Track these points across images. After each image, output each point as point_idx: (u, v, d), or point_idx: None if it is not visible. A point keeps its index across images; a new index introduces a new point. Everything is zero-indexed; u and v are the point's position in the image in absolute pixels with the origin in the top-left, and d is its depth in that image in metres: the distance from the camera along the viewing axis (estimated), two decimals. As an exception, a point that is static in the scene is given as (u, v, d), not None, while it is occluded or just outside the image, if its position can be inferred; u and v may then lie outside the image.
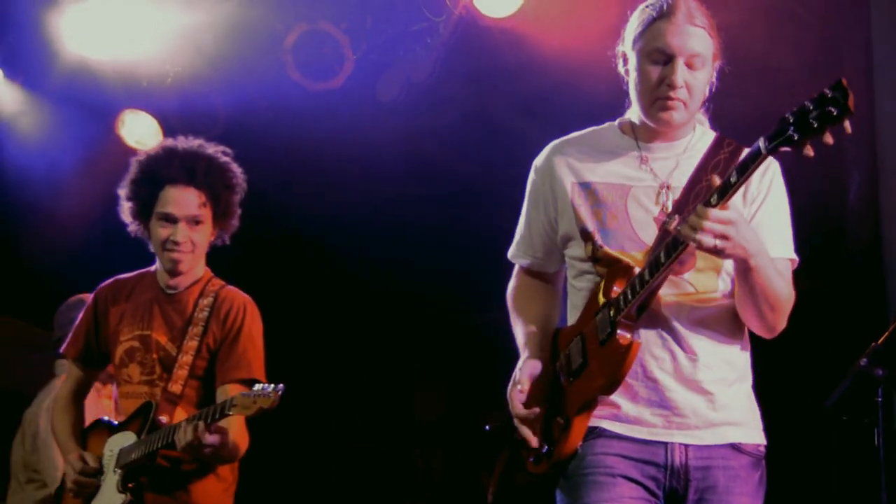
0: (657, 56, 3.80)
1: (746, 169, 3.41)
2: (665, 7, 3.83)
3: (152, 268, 5.41)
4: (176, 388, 5.16)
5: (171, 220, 5.20)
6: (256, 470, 5.67)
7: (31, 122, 8.58)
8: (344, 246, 9.44)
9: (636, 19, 3.91)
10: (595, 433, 3.84)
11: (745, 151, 3.88)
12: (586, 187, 3.94)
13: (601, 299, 3.82)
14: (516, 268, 4.32)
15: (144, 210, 5.27)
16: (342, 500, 10.05)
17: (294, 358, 9.64)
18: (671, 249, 3.59)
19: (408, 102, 7.91)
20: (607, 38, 4.04)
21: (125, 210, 5.36)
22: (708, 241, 3.48)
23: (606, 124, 4.11)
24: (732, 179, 3.43)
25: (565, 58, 7.08)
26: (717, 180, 3.56)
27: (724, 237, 3.49)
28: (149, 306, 5.31)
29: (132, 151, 8.50)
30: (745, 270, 3.67)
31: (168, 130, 8.52)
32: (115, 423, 5.25)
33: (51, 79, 8.26)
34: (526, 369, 3.96)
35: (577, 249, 3.97)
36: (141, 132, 8.61)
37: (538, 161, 4.13)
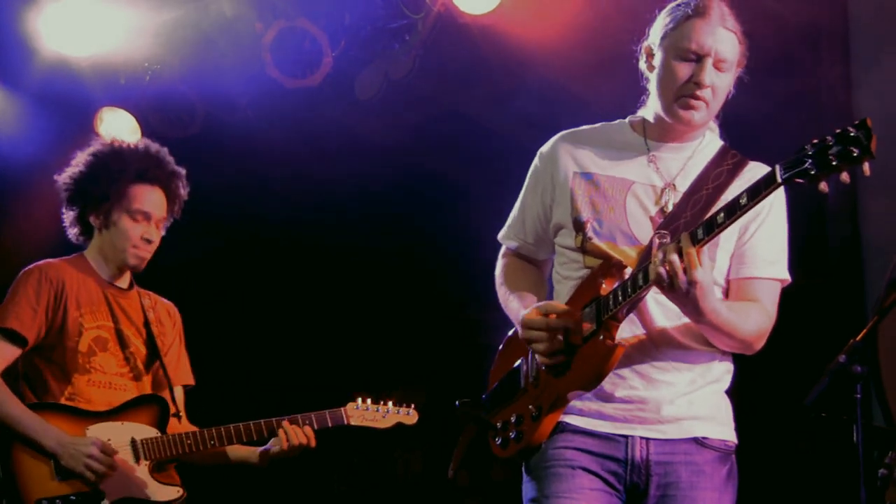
0: (687, 54, 3.81)
1: (758, 194, 3.39)
2: (700, 6, 3.83)
3: (83, 257, 5.44)
4: (162, 383, 5.38)
5: (146, 217, 5.24)
6: (246, 472, 5.68)
7: (9, 119, 8.54)
8: (321, 243, 9.42)
9: (666, 16, 3.92)
10: (558, 428, 3.86)
11: (749, 165, 3.92)
12: (588, 178, 3.95)
13: (589, 294, 3.81)
14: (503, 248, 4.30)
15: (104, 200, 5.30)
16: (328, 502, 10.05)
17: (275, 357, 9.62)
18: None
19: (386, 100, 7.90)
20: (585, 36, 4.04)
21: (80, 195, 5.39)
22: (676, 286, 3.52)
23: (617, 121, 4.12)
24: (742, 202, 3.42)
25: (543, 55, 7.08)
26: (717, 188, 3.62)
27: (689, 290, 3.53)
28: (105, 299, 5.36)
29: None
30: (696, 321, 3.72)
31: (146, 128, 8.50)
32: (88, 410, 5.19)
33: (29, 76, 8.22)
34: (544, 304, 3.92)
35: (567, 239, 3.96)
36: (119, 129, 8.57)
37: (544, 148, 4.13)
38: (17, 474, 5.05)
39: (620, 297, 3.67)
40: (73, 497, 5.02)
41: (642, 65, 4.01)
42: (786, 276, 3.93)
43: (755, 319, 3.81)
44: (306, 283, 9.84)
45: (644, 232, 3.84)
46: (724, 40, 3.82)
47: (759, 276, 3.89)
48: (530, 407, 3.89)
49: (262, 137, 8.28)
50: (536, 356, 3.87)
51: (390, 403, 5.57)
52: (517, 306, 4.04)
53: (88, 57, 8.04)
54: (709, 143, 4.01)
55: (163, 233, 5.46)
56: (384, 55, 7.76)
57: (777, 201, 3.91)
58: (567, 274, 3.98)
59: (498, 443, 4.03)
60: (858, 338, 3.43)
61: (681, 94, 3.84)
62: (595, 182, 3.93)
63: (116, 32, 7.88)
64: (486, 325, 4.26)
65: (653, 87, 3.96)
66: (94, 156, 5.42)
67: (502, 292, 4.20)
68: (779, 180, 3.31)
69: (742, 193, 3.43)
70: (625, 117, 4.14)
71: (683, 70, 3.82)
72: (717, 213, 3.48)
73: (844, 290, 6.93)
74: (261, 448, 5.42)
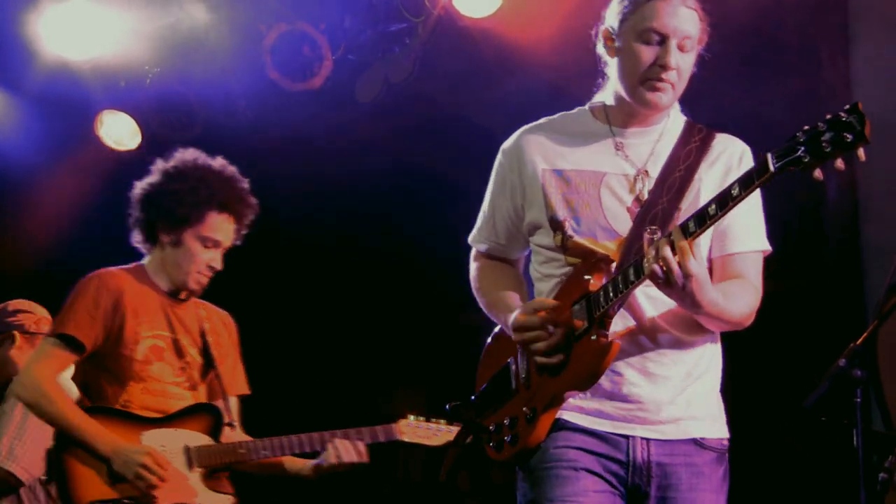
0: (650, 36, 3.72)
1: (750, 184, 3.33)
2: None
3: (142, 267, 5.47)
4: (217, 392, 5.43)
5: (216, 246, 5.38)
6: (241, 475, 5.71)
7: (10, 122, 8.55)
8: (321, 245, 9.43)
9: None
10: (557, 425, 3.78)
11: (717, 138, 3.87)
12: (559, 174, 3.86)
13: (577, 290, 3.73)
14: (473, 251, 4.22)
15: (184, 222, 5.34)
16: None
17: (274, 358, 9.62)
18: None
19: (386, 103, 7.90)
20: (585, 38, 4.01)
21: (158, 209, 5.40)
22: (672, 281, 3.47)
23: (577, 109, 4.03)
24: (734, 192, 3.36)
25: (544, 58, 7.08)
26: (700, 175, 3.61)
27: (685, 283, 3.48)
28: (163, 309, 5.41)
29: (111, 152, 8.52)
30: (695, 314, 3.68)
31: (147, 130, 8.51)
32: (143, 416, 5.22)
33: (29, 79, 8.23)
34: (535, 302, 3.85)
35: (545, 238, 3.88)
36: (119, 132, 8.58)
37: (507, 145, 4.04)
38: (71, 477, 5.10)
39: (612, 294, 3.61)
40: (125, 501, 5.05)
41: (600, 49, 3.93)
42: (767, 246, 3.88)
43: (746, 300, 3.76)
44: (306, 284, 9.85)
45: (622, 223, 3.77)
46: (686, 19, 3.74)
47: (742, 251, 3.83)
48: (524, 409, 3.81)
49: (262, 140, 8.29)
50: (533, 356, 3.78)
51: (442, 421, 5.59)
52: (504, 308, 3.97)
53: (89, 60, 8.05)
54: (674, 122, 3.93)
55: None
56: (384, 58, 7.75)
57: None
58: (548, 272, 3.90)
59: (492, 446, 3.94)
60: (858, 342, 3.43)
61: (647, 78, 3.76)
62: (566, 178, 3.85)
63: (116, 35, 7.89)
64: (486, 326, 4.23)
65: (614, 71, 3.87)
66: (181, 174, 5.43)
67: (483, 296, 4.13)
68: (771, 170, 3.25)
69: (734, 184, 3.37)
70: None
71: (647, 53, 3.74)
72: (709, 204, 3.43)
73: (844, 291, 6.93)
74: (314, 461, 5.44)
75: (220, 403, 5.41)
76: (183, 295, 5.46)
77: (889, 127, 5.42)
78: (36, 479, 6.20)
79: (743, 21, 6.95)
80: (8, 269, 8.86)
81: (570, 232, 3.79)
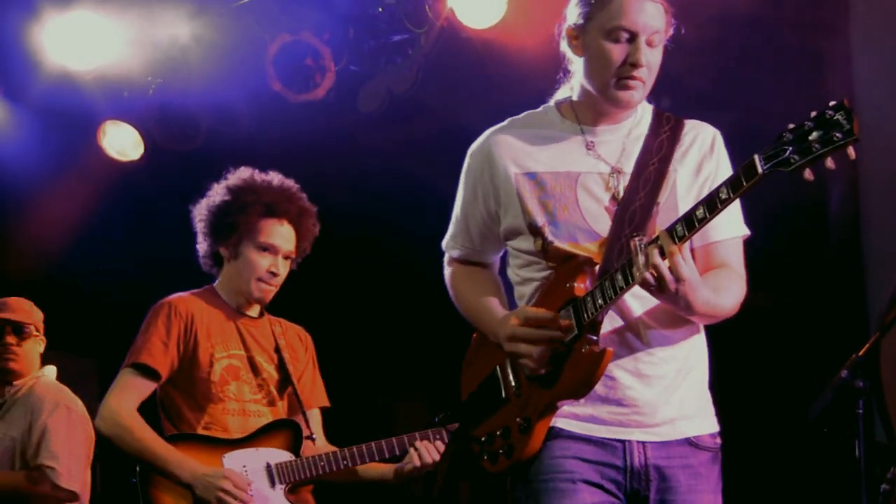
0: (618, 34, 3.67)
1: (739, 188, 3.29)
2: None
3: (213, 289, 5.53)
4: (297, 407, 5.47)
5: (273, 251, 5.40)
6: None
7: (13, 132, 8.55)
8: (323, 250, 9.42)
9: None
10: (552, 434, 3.72)
11: (686, 126, 3.83)
12: (531, 177, 3.79)
13: (561, 295, 3.69)
14: (447, 257, 4.18)
15: (234, 231, 5.39)
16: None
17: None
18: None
19: (389, 114, 7.90)
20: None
21: (212, 226, 5.46)
22: (665, 287, 3.45)
23: (542, 107, 3.99)
24: (723, 196, 3.32)
25: (547, 68, 7.07)
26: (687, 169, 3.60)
27: (677, 288, 3.45)
28: (236, 328, 5.45)
29: (114, 162, 8.53)
30: (688, 315, 3.65)
31: (149, 141, 8.51)
32: (223, 438, 5.25)
33: (33, 89, 8.24)
34: (521, 311, 3.78)
35: (524, 243, 3.82)
36: (122, 143, 8.59)
37: (475, 148, 3.99)
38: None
39: (601, 301, 3.55)
40: None
41: (565, 47, 3.88)
42: (746, 231, 3.84)
43: (734, 291, 3.74)
44: (307, 288, 9.85)
45: (601, 224, 3.71)
46: (653, 15, 3.69)
47: (724, 239, 3.79)
48: (518, 419, 3.74)
49: (265, 151, 8.28)
50: (524, 368, 3.72)
51: None
52: (487, 314, 3.92)
53: (92, 70, 8.06)
54: (643, 115, 3.88)
55: (293, 267, 5.59)
56: (387, 69, 7.75)
57: (723, 157, 3.83)
58: (528, 276, 3.84)
59: (485, 458, 3.86)
60: (861, 352, 3.42)
61: (618, 77, 3.70)
62: (540, 181, 3.78)
63: (119, 46, 7.90)
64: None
65: (580, 69, 3.82)
66: (228, 188, 5.50)
67: (462, 302, 4.09)
68: (760, 172, 3.22)
69: (722, 187, 3.34)
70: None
71: (617, 52, 3.68)
72: (696, 207, 3.39)
73: (847, 303, 6.92)
74: (395, 466, 5.45)
75: (300, 418, 5.43)
76: (254, 311, 5.49)
77: (889, 137, 5.41)
78: None
79: (744, 22, 6.95)
80: (12, 277, 8.86)
81: (550, 237, 3.74)
